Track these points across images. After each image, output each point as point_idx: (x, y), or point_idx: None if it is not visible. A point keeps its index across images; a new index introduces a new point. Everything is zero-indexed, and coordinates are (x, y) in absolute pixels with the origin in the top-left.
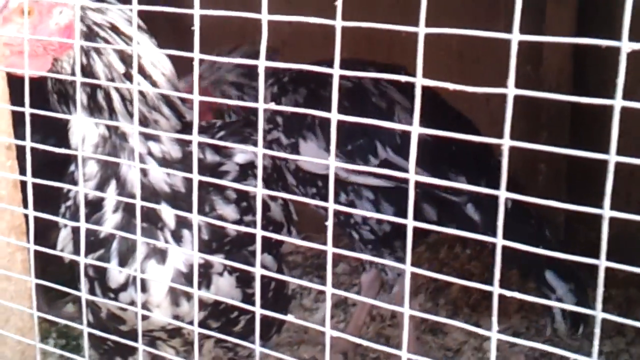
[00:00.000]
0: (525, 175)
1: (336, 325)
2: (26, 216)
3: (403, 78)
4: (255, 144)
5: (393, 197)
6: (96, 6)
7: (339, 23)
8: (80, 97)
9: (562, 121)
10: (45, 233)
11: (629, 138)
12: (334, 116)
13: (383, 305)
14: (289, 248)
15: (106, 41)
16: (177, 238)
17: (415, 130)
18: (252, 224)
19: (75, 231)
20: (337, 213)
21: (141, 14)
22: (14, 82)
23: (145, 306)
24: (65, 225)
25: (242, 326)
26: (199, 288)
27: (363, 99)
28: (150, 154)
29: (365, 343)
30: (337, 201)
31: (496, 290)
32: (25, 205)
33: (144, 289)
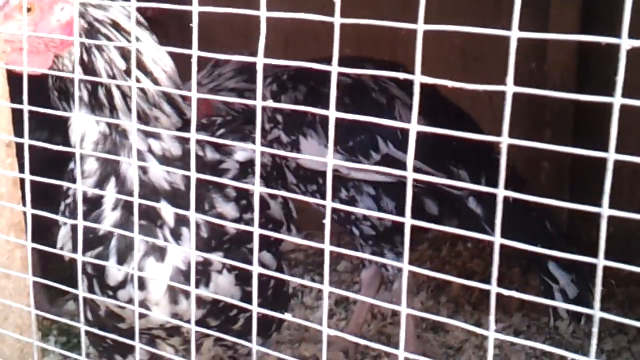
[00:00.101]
0: (529, 173)
1: (337, 323)
2: (26, 214)
3: (402, 75)
4: (253, 142)
5: (394, 192)
6: (97, 3)
7: (337, 20)
8: (82, 94)
9: (565, 119)
10: (47, 231)
11: (630, 136)
12: (332, 114)
13: (381, 304)
14: (290, 246)
15: (107, 38)
16: (177, 236)
17: (414, 128)
18: (252, 222)
19: (75, 229)
20: (336, 210)
21: (148, 13)
22: (16, 80)
23: (144, 304)
24: (65, 223)
25: (242, 324)
26: (198, 286)
27: (363, 95)
28: (150, 151)
29: (363, 342)
30: (337, 197)
31: (494, 289)
32: (25, 203)
33: (143, 287)
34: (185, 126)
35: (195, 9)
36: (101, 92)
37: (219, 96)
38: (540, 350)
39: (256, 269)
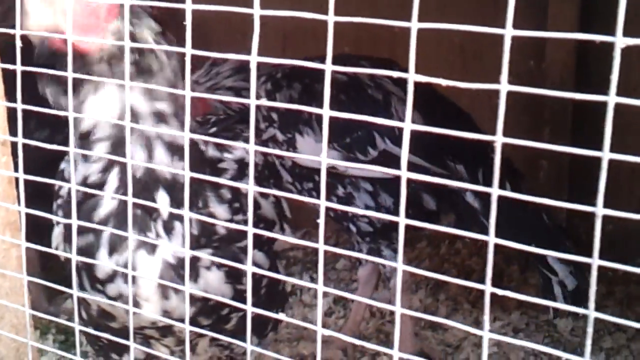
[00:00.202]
0: (527, 171)
1: (336, 321)
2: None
3: (396, 74)
4: (246, 140)
5: (392, 187)
6: None
7: (330, 18)
8: (113, 70)
9: (564, 117)
10: (45, 229)
11: (630, 135)
12: (326, 112)
13: (375, 304)
14: (286, 244)
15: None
16: (169, 230)
17: (408, 127)
18: (243, 222)
19: (67, 228)
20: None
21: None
22: (11, 77)
23: (133, 299)
24: (58, 223)
25: (234, 324)
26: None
27: (359, 92)
28: (159, 136)
29: (357, 342)
30: (334, 194)
31: (488, 289)
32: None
33: (132, 280)
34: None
35: (189, 6)
36: (146, 61)
37: (214, 95)
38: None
39: (250, 268)
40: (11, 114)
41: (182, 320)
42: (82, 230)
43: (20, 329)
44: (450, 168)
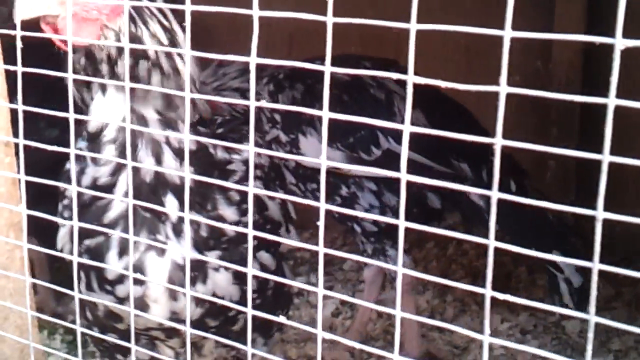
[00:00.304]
0: (535, 171)
1: (343, 322)
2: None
3: (395, 75)
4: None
5: (396, 186)
6: None
7: (329, 19)
8: (117, 71)
9: (571, 118)
10: (52, 230)
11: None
12: (325, 114)
13: (375, 307)
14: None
15: (151, 12)
16: (178, 232)
17: (407, 129)
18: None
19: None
20: (338, 204)
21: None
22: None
23: (142, 300)
24: (64, 225)
25: (242, 325)
26: (195, 283)
27: (361, 92)
28: (167, 142)
29: (357, 345)
30: (338, 194)
31: (488, 292)
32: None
33: (142, 281)
34: (198, 121)
35: (188, 7)
36: (142, 67)
37: (214, 97)
38: (547, 349)
39: (250, 271)
40: (17, 113)
41: (190, 321)
42: (92, 231)
43: (24, 330)
44: (454, 166)
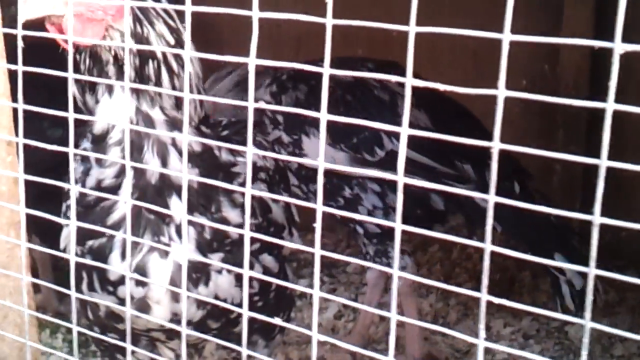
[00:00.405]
0: (541, 175)
1: (345, 324)
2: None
3: (394, 78)
4: (257, 144)
5: None
6: None
7: (329, 21)
8: (128, 70)
9: (578, 121)
10: (56, 229)
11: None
12: (324, 116)
13: (371, 310)
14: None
15: (157, 13)
16: (181, 234)
17: (405, 132)
18: (254, 226)
19: (79, 228)
20: (340, 208)
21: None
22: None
23: (144, 301)
24: (68, 224)
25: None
26: (198, 285)
27: (365, 92)
28: (173, 144)
29: (353, 348)
30: (341, 196)
31: (484, 297)
32: (28, 202)
33: (143, 283)
34: (202, 122)
35: (188, 8)
36: (150, 67)
37: (214, 98)
38: (550, 354)
39: (246, 272)
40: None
41: (191, 323)
42: (96, 232)
43: (23, 329)
44: (457, 167)
